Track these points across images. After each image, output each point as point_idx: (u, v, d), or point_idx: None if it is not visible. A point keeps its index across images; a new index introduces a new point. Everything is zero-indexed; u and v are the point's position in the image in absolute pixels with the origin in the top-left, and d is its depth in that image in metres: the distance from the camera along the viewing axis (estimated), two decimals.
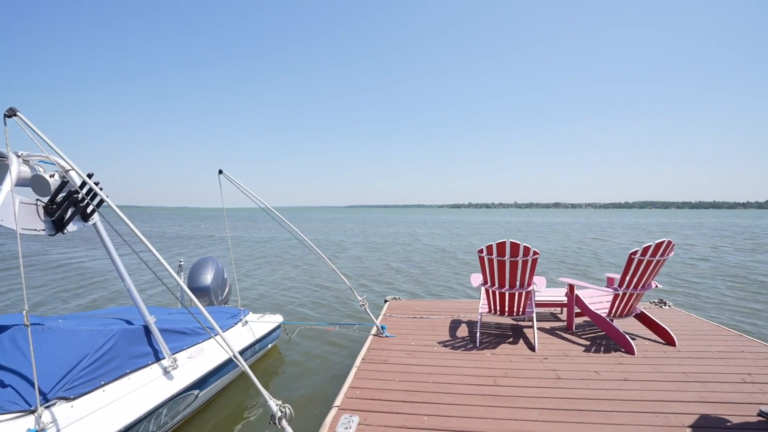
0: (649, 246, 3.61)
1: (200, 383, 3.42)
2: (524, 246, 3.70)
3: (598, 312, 4.05)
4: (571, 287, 4.32)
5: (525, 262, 3.77)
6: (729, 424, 2.50)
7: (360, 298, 4.56)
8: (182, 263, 5.07)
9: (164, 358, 3.19)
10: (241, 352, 4.05)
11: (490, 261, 3.83)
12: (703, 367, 3.35)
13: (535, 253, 3.75)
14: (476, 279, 4.38)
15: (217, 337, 3.27)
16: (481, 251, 3.83)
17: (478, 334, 4.05)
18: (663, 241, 3.64)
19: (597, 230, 34.92)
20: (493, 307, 4.13)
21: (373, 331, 4.37)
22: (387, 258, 15.43)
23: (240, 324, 4.38)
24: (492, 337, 4.19)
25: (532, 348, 3.83)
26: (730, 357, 3.57)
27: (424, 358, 3.62)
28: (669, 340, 3.88)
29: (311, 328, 6.04)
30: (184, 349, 3.46)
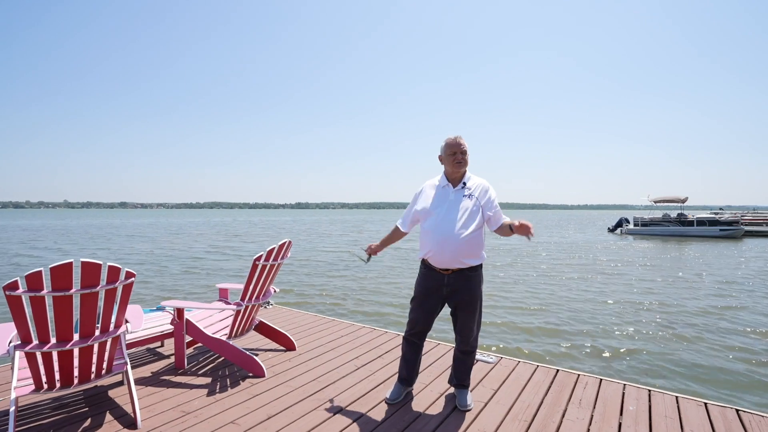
0: (273, 248, 3.14)
1: None
2: (110, 266, 2.26)
3: (216, 335, 3.19)
4: (180, 312, 3.19)
5: (111, 292, 2.32)
6: (365, 425, 2.36)
7: None
8: None
9: None
10: None
11: (39, 301, 2.08)
12: (325, 366, 3.26)
13: (129, 275, 2.39)
14: (4, 336, 2.38)
15: None
16: (11, 286, 2.00)
17: None
18: (285, 242, 3.28)
19: (177, 231, 33.99)
20: (48, 380, 2.33)
21: None
22: None
23: None
24: (46, 430, 2.37)
25: (132, 424, 2.42)
26: (339, 345, 3.73)
27: None
28: (289, 345, 3.62)
29: None
30: None
